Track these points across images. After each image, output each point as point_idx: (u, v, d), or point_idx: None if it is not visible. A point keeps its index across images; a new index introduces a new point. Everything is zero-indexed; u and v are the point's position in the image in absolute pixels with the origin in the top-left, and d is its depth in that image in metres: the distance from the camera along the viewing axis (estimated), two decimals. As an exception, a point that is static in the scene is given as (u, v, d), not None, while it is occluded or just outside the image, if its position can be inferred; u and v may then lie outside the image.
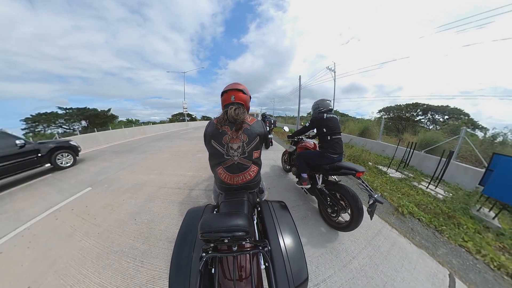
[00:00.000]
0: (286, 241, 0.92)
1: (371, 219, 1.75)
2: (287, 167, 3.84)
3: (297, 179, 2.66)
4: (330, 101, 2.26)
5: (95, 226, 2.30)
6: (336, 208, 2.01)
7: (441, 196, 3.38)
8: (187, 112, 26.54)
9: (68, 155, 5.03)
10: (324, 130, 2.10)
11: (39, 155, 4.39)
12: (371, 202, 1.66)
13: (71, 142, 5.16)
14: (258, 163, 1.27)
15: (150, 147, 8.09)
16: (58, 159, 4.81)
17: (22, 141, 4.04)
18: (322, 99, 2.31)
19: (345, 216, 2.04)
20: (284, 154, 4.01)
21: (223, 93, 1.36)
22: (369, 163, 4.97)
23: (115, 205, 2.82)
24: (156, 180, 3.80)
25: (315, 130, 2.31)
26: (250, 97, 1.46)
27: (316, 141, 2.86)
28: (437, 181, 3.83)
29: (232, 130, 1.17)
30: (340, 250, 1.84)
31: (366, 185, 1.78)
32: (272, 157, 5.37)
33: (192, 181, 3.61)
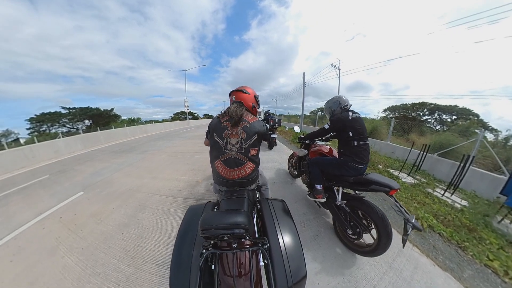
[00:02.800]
0: (285, 239, 0.91)
1: (403, 247, 1.42)
2: (295, 172, 3.31)
3: (308, 190, 2.27)
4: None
5: (80, 240, 2.10)
6: (358, 230, 1.64)
7: (458, 205, 3.11)
8: (188, 111, 26.43)
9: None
10: (350, 134, 1.67)
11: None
12: (409, 230, 1.30)
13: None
14: (255, 160, 1.29)
15: (149, 146, 7.92)
16: None
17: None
18: (339, 95, 1.90)
19: (366, 237, 1.71)
20: (291, 157, 3.51)
21: (229, 95, 1.55)
22: (379, 166, 4.69)
23: (104, 214, 2.62)
24: (150, 185, 3.58)
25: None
26: (256, 97, 1.52)
27: (331, 144, 2.47)
28: (453, 188, 3.55)
29: (232, 126, 1.25)
30: (359, 277, 1.58)
31: (401, 206, 1.42)
32: (276, 159, 5.09)
33: (187, 187, 3.38)
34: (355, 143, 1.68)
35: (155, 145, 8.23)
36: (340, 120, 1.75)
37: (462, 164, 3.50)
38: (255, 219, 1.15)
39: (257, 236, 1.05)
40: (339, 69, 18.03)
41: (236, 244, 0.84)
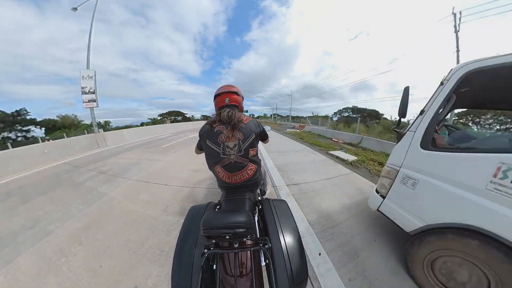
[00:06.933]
0: (286, 239, 0.90)
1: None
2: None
3: None
4: None
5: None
6: None
7: None
8: (93, 101, 9.13)
9: None
10: None
11: None
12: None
13: None
14: (256, 161, 1.25)
15: None
16: None
17: None
18: None
19: None
20: None
21: (216, 96, 1.37)
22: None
23: None
24: None
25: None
26: (243, 98, 1.47)
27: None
28: None
29: (228, 129, 1.17)
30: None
31: None
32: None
33: None
34: None
35: None
36: None
37: None
38: (256, 219, 1.13)
39: (258, 236, 1.04)
40: (459, 24, 9.96)
41: (237, 244, 0.82)
